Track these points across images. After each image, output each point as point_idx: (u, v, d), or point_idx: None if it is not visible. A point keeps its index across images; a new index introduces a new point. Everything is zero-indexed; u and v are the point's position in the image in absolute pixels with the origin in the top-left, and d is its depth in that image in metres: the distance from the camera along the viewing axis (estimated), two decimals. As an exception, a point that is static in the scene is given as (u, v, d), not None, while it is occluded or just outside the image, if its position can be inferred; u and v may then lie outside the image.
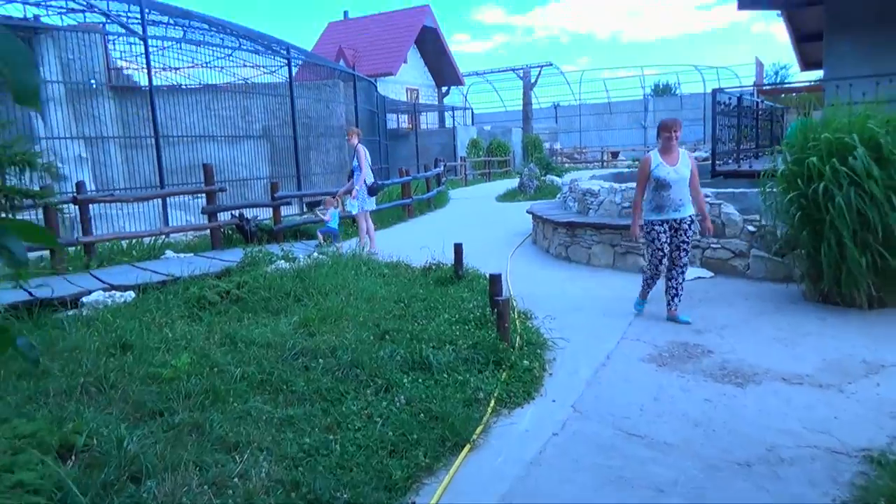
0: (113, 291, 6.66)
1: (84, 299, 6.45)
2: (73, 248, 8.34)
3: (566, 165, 30.97)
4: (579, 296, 6.55)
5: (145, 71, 18.62)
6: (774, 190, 5.92)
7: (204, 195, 9.39)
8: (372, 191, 9.36)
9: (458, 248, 6.90)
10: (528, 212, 9.96)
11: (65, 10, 13.28)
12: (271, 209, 10.15)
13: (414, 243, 9.98)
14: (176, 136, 15.14)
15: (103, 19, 13.01)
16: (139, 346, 5.05)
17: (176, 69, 18.62)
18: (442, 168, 19.54)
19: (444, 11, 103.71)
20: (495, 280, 5.45)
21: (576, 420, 3.60)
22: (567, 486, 2.88)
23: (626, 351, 4.76)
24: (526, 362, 4.34)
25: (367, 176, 9.12)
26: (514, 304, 5.95)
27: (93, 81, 15.33)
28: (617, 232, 7.49)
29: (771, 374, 4.09)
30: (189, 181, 13.69)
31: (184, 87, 18.25)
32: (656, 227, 5.33)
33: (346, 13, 36.79)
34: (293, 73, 18.33)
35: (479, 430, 3.42)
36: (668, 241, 5.32)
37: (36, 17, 15.66)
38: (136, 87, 17.26)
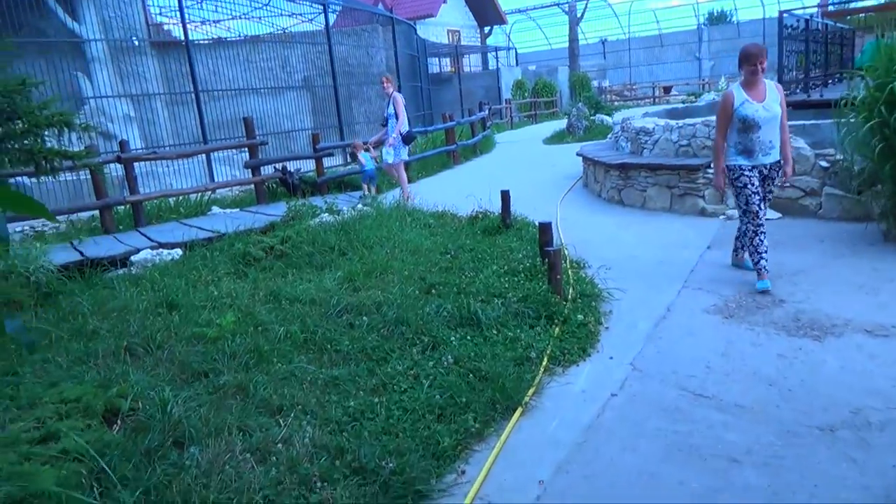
0: (160, 249, 6.67)
1: (133, 258, 6.48)
2: (123, 207, 8.39)
3: (616, 103, 29.74)
4: (635, 242, 6.20)
5: (192, 27, 18.55)
6: (852, 120, 5.37)
7: (246, 149, 9.27)
8: (407, 140, 9.07)
9: (504, 196, 6.60)
10: (577, 154, 9.52)
11: None
12: (314, 161, 9.98)
13: (460, 191, 9.70)
14: (219, 89, 15.06)
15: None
16: (185, 305, 5.01)
17: (213, 22, 18.44)
18: (486, 112, 18.99)
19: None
20: (545, 229, 5.16)
21: (636, 379, 3.36)
22: (629, 455, 2.67)
23: (689, 302, 4.45)
24: (580, 316, 4.09)
25: (403, 125, 8.82)
26: (566, 254, 5.67)
27: (134, 39, 15.27)
28: (674, 172, 7.03)
29: (852, 326, 3.74)
30: (233, 135, 13.63)
31: (223, 40, 18.09)
32: (746, 174, 4.54)
33: (383, -46, 35.61)
34: (331, 20, 17.93)
35: (531, 391, 3.22)
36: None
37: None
38: (177, 42, 17.20)
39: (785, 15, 8.30)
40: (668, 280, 4.94)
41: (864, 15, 19.72)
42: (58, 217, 8.69)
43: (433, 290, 4.89)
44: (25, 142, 4.88)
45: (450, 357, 3.61)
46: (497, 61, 31.48)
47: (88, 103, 13.47)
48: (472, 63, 34.06)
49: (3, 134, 4.82)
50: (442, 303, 4.52)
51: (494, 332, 3.99)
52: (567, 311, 4.20)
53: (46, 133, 5.20)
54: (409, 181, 11.44)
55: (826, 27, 11.02)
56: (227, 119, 14.03)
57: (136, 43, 15.08)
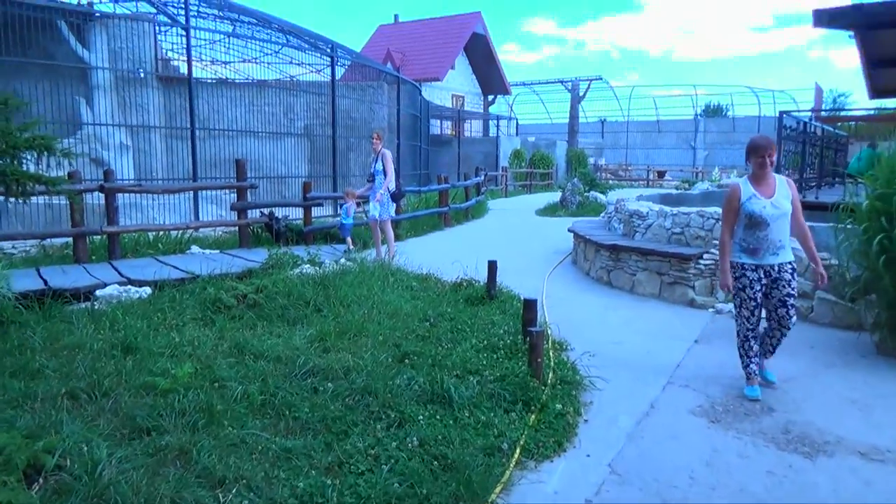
0: (129, 286, 6.38)
1: (98, 292, 6.18)
2: (99, 237, 8.12)
3: (610, 182, 30.18)
4: (621, 328, 6.00)
5: (198, 65, 18.73)
6: (849, 227, 5.30)
7: (235, 191, 9.11)
8: (396, 197, 8.97)
9: (491, 266, 6.42)
10: (569, 230, 9.43)
11: None
12: (302, 209, 9.83)
13: (447, 255, 9.55)
14: (219, 129, 15.10)
15: (152, 9, 12.92)
16: (143, 350, 4.73)
17: (223, 63, 18.67)
18: (482, 177, 19.10)
19: (494, 20, 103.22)
20: (530, 306, 4.96)
21: (614, 484, 3.09)
22: (601, 578, 2.38)
23: (674, 399, 4.22)
24: (559, 406, 3.84)
25: (391, 182, 8.76)
26: (549, 333, 5.45)
27: (141, 71, 15.32)
28: (666, 259, 6.91)
29: (845, 445, 3.51)
30: (228, 175, 13.57)
31: (229, 80, 18.26)
32: (748, 274, 4.23)
33: (396, 16, 36.75)
34: (339, 74, 18.19)
35: (499, 489, 2.94)
36: (762, 291, 4.28)
37: (89, 4, 15.75)
38: (183, 77, 17.33)
39: (784, 115, 8.40)
40: (654, 373, 4.72)
41: (854, 123, 20.27)
42: (30, 241, 8.42)
43: (407, 360, 4.63)
44: (-1, 162, 4.67)
45: (415, 438, 3.33)
46: (497, 129, 32.04)
47: (85, 128, 13.36)
48: (473, 128, 34.64)
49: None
50: (414, 375, 4.26)
51: (467, 413, 3.72)
52: (545, 397, 3.95)
53: (27, 156, 5.01)
54: (397, 238, 11.30)
55: (823, 131, 11.22)
56: (224, 158, 13.96)
57: (143, 75, 15.14)
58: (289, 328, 5.42)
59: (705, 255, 6.70)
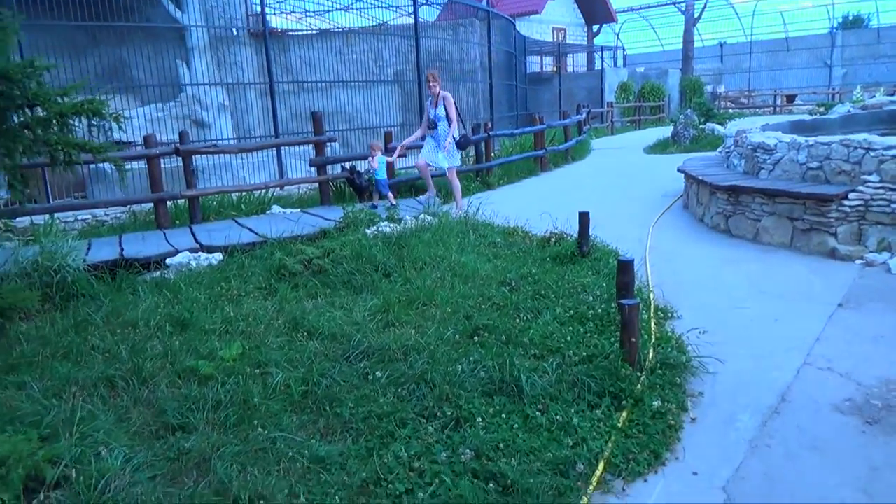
0: (200, 253, 6.14)
1: (169, 260, 5.97)
2: (182, 201, 7.99)
3: (731, 111, 27.38)
4: (742, 287, 5.00)
5: (285, 17, 18.51)
6: None
7: (314, 145, 8.69)
8: (462, 145, 8.17)
9: (583, 218, 5.56)
10: (679, 170, 8.26)
11: None
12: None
13: (540, 203, 8.72)
14: (310, 81, 14.89)
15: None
16: (196, 326, 4.39)
17: (314, 13, 18.31)
18: (584, 115, 17.74)
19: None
20: (625, 269, 4.11)
21: (730, 522, 2.31)
22: None
23: (812, 388, 3.29)
24: (656, 402, 3.05)
25: (456, 128, 7.95)
26: (652, 298, 4.59)
27: (233, 29, 15.25)
28: (799, 201, 5.73)
29: None
30: (325, 128, 13.39)
31: (317, 31, 17.92)
32: None
33: (491, -52, 34.76)
34: (433, 15, 17.33)
35: (570, 529, 2.26)
36: None
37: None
38: (275, 32, 17.18)
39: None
40: (785, 350, 3.77)
41: None
42: (120, 207, 8.47)
43: (477, 336, 3.99)
44: (39, 131, 4.40)
45: (469, 450, 2.69)
46: (602, 61, 29.86)
47: (185, 90, 13.50)
48: (576, 63, 32.59)
49: (23, 122, 4.36)
50: (482, 357, 3.61)
51: (539, 410, 3.04)
52: (640, 388, 3.17)
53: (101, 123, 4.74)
54: (488, 187, 10.57)
55: None
56: (320, 111, 13.80)
57: (235, 32, 15.06)
58: (353, 297, 4.91)
59: (852, 195, 5.46)
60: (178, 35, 13.77)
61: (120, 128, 5.15)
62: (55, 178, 9.75)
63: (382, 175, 8.09)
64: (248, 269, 5.70)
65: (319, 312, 4.52)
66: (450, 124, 7.90)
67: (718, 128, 16.30)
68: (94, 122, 4.80)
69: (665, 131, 17.99)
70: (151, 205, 7.96)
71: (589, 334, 3.90)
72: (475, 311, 4.41)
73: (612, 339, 3.69)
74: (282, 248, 6.05)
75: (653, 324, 4.07)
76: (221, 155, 9.94)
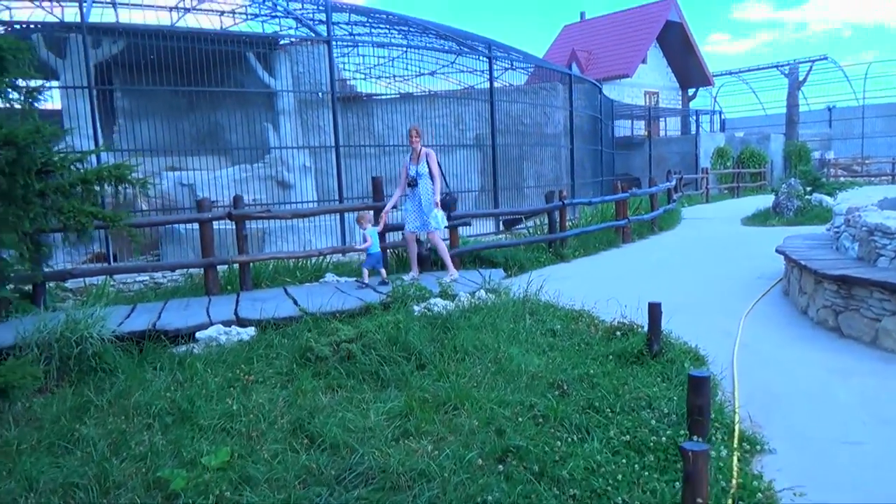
0: (232, 327, 5.73)
1: (199, 334, 5.59)
2: (229, 267, 7.73)
3: (841, 179, 25.27)
4: (856, 410, 3.96)
5: (370, 81, 18.87)
6: None
7: (373, 211, 8.30)
8: (444, 204, 7.52)
9: (654, 311, 4.70)
10: (778, 251, 7.19)
11: (262, 17, 13.47)
12: (447, 230, 8.76)
13: (616, 281, 7.89)
14: (392, 144, 14.93)
15: (304, 27, 12.88)
16: (196, 418, 3.90)
17: (395, 77, 18.59)
18: (674, 181, 16.70)
19: (697, 9, 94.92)
20: (699, 387, 3.27)
21: None
22: None
23: None
24: None
25: (442, 185, 7.39)
26: (737, 420, 3.66)
27: (319, 93, 15.58)
28: (931, 300, 4.63)
29: None
30: (381, 194, 13.23)
31: (400, 95, 18.12)
32: None
33: (582, 14, 34.79)
34: (521, 80, 17.04)
35: None
36: None
37: (275, 34, 16.38)
38: (358, 96, 17.49)
39: None
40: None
41: None
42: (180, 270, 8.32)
43: (504, 462, 3.23)
44: (54, 198, 4.16)
45: None
46: (697, 125, 28.59)
47: (272, 153, 13.76)
48: (668, 126, 31.48)
49: (38, 189, 4.14)
50: (504, 496, 2.85)
51: None
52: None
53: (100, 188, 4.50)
54: (561, 259, 9.80)
55: None
56: (398, 175, 13.70)
57: (320, 96, 15.38)
58: (376, 392, 4.28)
59: None
60: (268, 100, 14.16)
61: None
62: (121, 235, 9.89)
63: (376, 248, 7.36)
64: (276, 348, 5.21)
65: (331, 412, 3.91)
66: (433, 182, 7.33)
67: (827, 199, 14.79)
68: (120, 188, 4.58)
69: (766, 200, 16.58)
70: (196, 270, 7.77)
71: (647, 472, 3.06)
72: (511, 423, 3.65)
73: (677, 484, 2.84)
74: (317, 326, 5.55)
75: (735, 461, 3.16)
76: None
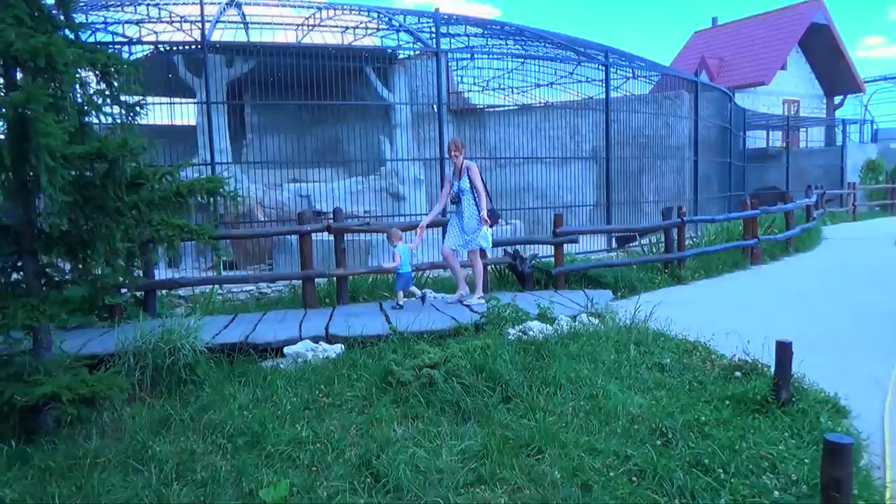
0: (320, 343, 5.61)
1: (287, 349, 5.51)
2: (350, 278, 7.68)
3: None
4: None
5: (486, 93, 18.73)
6: None
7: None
8: (492, 220, 6.89)
9: (783, 352, 3.99)
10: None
11: (381, 31, 13.62)
12: (553, 247, 8.25)
13: (739, 309, 7.06)
14: (505, 157, 14.71)
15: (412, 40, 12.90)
16: (265, 442, 3.74)
17: (511, 89, 18.30)
18: (815, 197, 15.07)
19: (847, 11, 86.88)
20: (838, 457, 2.62)
21: None
22: None
23: None
24: None
25: (485, 202, 6.82)
26: (888, 498, 2.94)
27: (433, 106, 15.63)
28: None
29: None
30: (513, 206, 12.89)
31: (516, 106, 17.80)
32: None
33: (714, 20, 32.81)
34: (645, 88, 16.18)
35: None
36: None
37: (393, 49, 16.64)
38: (473, 108, 17.37)
39: None
40: None
41: None
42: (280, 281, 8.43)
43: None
44: (144, 209, 4.19)
45: None
46: (844, 136, 25.90)
47: (386, 165, 13.95)
48: (810, 137, 28.81)
49: (131, 202, 4.19)
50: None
51: None
52: None
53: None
54: (678, 280, 8.97)
55: None
56: (510, 187, 13.36)
57: (435, 109, 15.41)
58: (455, 426, 3.93)
59: None
60: (385, 113, 14.39)
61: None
62: (242, 244, 10.26)
63: (407, 268, 6.81)
64: (360, 368, 4.99)
65: (402, 446, 3.59)
66: (477, 198, 6.78)
67: None
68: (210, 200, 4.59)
69: (927, 220, 14.56)
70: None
71: (766, 560, 2.47)
72: (600, 478, 3.16)
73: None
74: (404, 346, 5.31)
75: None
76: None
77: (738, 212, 11.14)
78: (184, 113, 15.07)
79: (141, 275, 6.98)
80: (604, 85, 12.84)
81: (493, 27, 14.67)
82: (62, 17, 4.11)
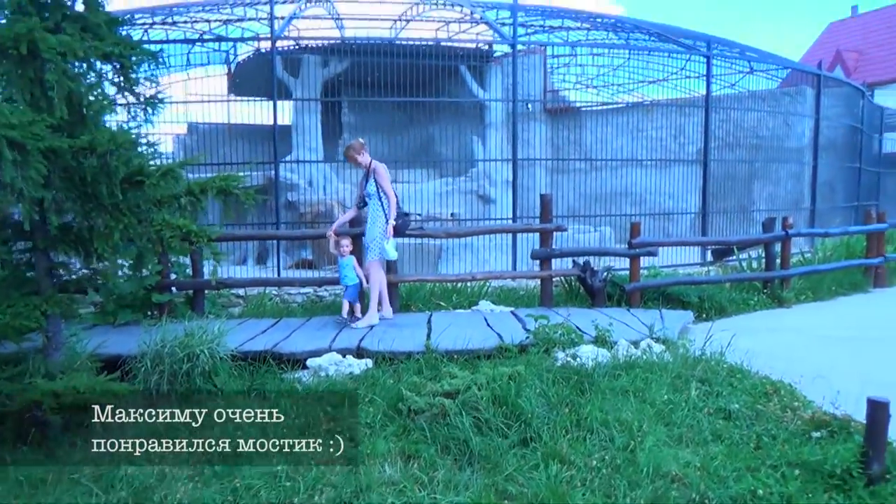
0: (347, 357, 5.21)
1: (310, 361, 5.15)
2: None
3: None
4: None
5: (583, 91, 17.81)
6: None
7: (540, 234, 7.31)
8: (398, 230, 6.06)
9: (877, 413, 3.07)
10: None
11: (464, 22, 13.12)
12: (629, 259, 7.39)
13: (844, 343, 5.93)
14: (602, 159, 13.81)
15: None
16: (240, 471, 3.36)
17: (612, 85, 17.28)
18: (966, 210, 12.90)
19: None
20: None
21: None
22: None
23: None
24: None
25: (394, 205, 6.06)
26: None
27: (529, 106, 15.00)
28: None
29: None
30: (612, 210, 12.23)
31: (618, 105, 16.73)
32: None
33: (854, 9, 29.56)
34: (771, 85, 14.68)
35: None
36: None
37: (489, 45, 16.10)
38: (570, 107, 16.49)
39: None
40: None
41: None
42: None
43: None
44: (147, 209, 3.98)
45: None
46: None
47: (476, 166, 13.51)
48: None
49: (132, 201, 3.98)
50: None
51: None
52: None
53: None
54: (781, 303, 7.79)
55: None
56: (607, 191, 12.70)
57: (529, 108, 14.77)
58: (451, 472, 3.36)
59: None
60: (478, 112, 13.96)
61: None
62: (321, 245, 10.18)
63: (354, 279, 6.15)
64: (378, 389, 4.53)
65: (382, 494, 3.08)
66: (386, 201, 6.04)
67: None
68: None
69: None
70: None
71: None
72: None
73: None
74: (431, 367, 4.80)
75: None
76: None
77: (862, 224, 9.63)
78: (285, 113, 15.39)
79: (190, 274, 7.02)
80: (705, 79, 11.66)
81: (596, 20, 13.79)
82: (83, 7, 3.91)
